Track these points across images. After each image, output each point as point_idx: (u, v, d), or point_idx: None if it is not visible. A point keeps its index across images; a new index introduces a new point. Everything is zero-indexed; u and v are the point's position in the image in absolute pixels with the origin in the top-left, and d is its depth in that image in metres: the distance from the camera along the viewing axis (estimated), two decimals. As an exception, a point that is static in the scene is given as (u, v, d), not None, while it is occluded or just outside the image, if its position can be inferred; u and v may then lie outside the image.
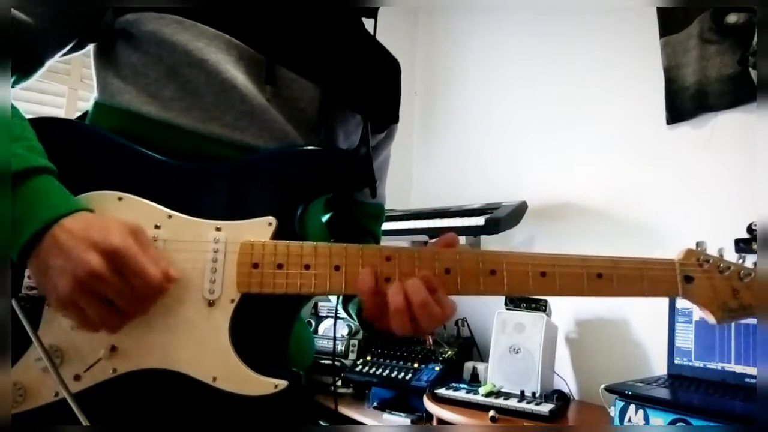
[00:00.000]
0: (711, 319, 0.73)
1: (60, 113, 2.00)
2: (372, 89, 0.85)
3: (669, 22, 1.72)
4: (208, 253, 0.63)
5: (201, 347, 0.62)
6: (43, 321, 0.61)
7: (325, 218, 0.88)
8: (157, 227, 0.63)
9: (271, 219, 0.65)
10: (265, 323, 0.69)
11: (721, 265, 0.73)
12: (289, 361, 0.73)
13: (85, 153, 0.66)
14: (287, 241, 0.65)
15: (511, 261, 0.69)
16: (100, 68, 0.73)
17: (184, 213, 0.64)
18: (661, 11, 1.74)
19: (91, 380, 0.60)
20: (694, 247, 0.74)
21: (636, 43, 1.82)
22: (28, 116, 0.64)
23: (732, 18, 1.57)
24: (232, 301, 0.63)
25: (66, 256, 0.55)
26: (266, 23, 0.74)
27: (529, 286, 0.69)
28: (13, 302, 0.60)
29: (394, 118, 0.92)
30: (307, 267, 0.64)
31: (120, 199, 0.63)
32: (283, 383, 0.62)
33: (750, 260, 0.76)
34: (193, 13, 0.69)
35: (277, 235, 0.65)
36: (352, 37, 0.85)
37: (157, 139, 0.68)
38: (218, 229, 0.64)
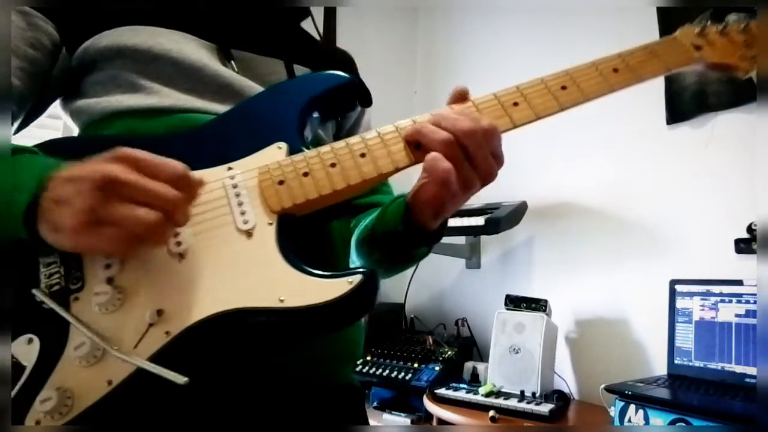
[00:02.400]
0: (739, 74, 0.76)
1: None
2: (333, 60, 0.87)
3: (669, 22, 1.72)
4: (228, 189, 0.61)
5: (256, 276, 0.57)
6: (74, 313, 0.55)
7: None
8: None
9: (280, 144, 0.64)
10: (318, 242, 0.67)
11: (717, 28, 0.79)
12: None
13: (89, 156, 0.64)
14: (302, 153, 0.63)
15: (526, 88, 0.70)
16: (71, 107, 0.73)
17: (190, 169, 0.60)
18: (661, 11, 1.74)
19: (144, 354, 0.53)
20: (685, 26, 0.80)
21: (636, 43, 1.82)
22: (30, 141, 0.63)
23: (732, 18, 1.57)
24: (271, 224, 0.59)
25: (76, 180, 0.50)
26: (214, 15, 0.77)
27: (557, 102, 0.70)
28: (42, 296, 0.55)
29: (364, 101, 0.91)
30: (333, 165, 0.62)
31: None
32: (357, 277, 0.55)
33: (749, 260, 0.76)
34: (143, 20, 0.71)
35: (290, 155, 0.64)
36: (297, 34, 0.88)
37: (148, 127, 0.68)
38: (230, 169, 0.63)
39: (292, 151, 0.64)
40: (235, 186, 0.61)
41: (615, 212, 1.84)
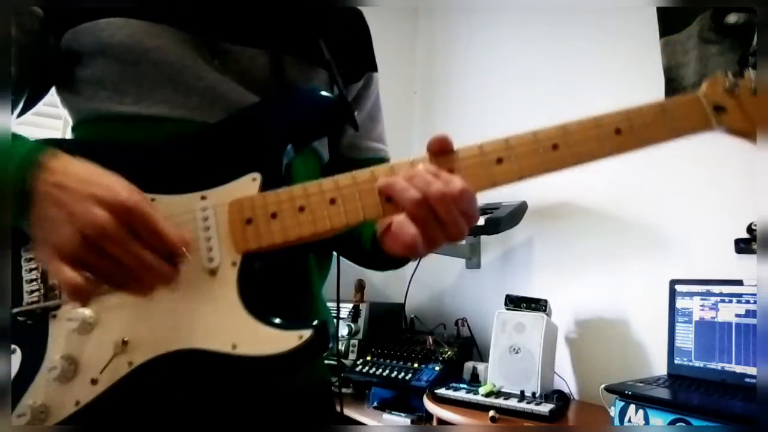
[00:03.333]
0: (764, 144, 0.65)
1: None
2: (328, 37, 0.81)
3: (669, 22, 1.72)
4: (198, 221, 0.61)
5: (213, 318, 0.59)
6: (51, 333, 0.60)
7: None
8: None
9: (254, 175, 0.63)
10: (280, 284, 0.66)
11: (752, 85, 0.65)
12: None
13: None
14: (275, 190, 0.62)
15: (514, 145, 0.63)
16: (65, 98, 0.74)
17: (166, 194, 0.63)
18: (661, 11, 1.74)
19: (109, 380, 0.58)
20: (717, 75, 0.66)
21: (636, 43, 1.82)
22: None
23: (732, 18, 1.57)
24: (234, 264, 0.60)
25: (63, 205, 0.51)
26: (197, 5, 0.73)
27: (544, 165, 0.63)
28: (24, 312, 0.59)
29: (368, 66, 0.89)
30: (301, 209, 0.61)
31: None
32: (307, 332, 0.58)
33: (749, 260, 0.75)
34: (125, 12, 0.69)
35: (264, 189, 0.63)
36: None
37: (134, 136, 0.68)
38: (204, 198, 0.62)
39: (266, 183, 0.63)
40: (205, 219, 0.62)
41: (615, 212, 1.84)
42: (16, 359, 0.58)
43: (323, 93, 0.71)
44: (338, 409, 0.83)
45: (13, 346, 0.58)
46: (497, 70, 2.34)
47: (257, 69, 0.74)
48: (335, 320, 0.84)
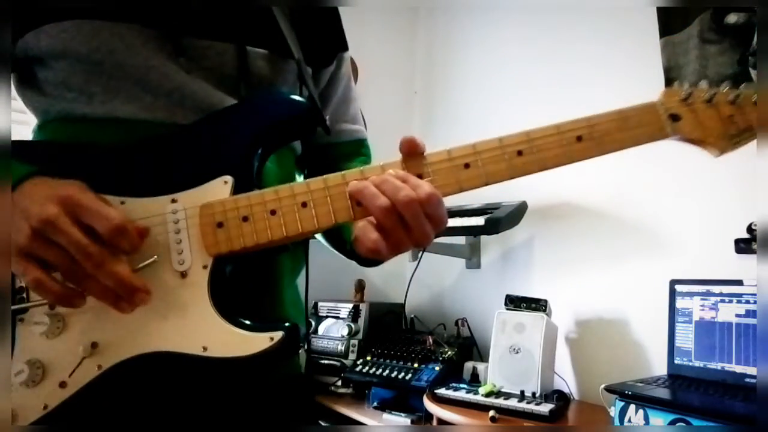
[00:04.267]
0: (714, 153, 0.68)
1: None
2: (294, 26, 0.80)
3: (669, 22, 1.72)
4: (168, 224, 0.61)
5: (184, 320, 0.59)
6: (18, 336, 0.59)
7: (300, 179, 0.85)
8: None
9: (226, 178, 0.63)
10: (251, 286, 0.67)
11: (706, 94, 0.67)
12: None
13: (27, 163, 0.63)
14: (246, 194, 0.62)
15: (481, 150, 0.65)
16: (25, 95, 0.73)
17: (136, 197, 0.62)
18: (661, 11, 1.74)
19: (77, 383, 0.58)
20: (673, 86, 0.69)
21: (636, 43, 1.82)
22: None
23: (732, 18, 1.57)
24: (205, 267, 0.60)
25: (21, 210, 0.54)
26: (160, 1, 0.71)
27: (509, 171, 0.65)
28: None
29: (338, 47, 0.88)
30: (273, 212, 0.61)
31: None
32: (278, 334, 0.59)
33: (749, 260, 0.75)
34: (86, 13, 0.67)
35: (236, 192, 0.63)
36: None
37: (100, 137, 0.67)
38: (174, 201, 0.62)
39: (237, 186, 0.63)
40: (176, 222, 0.61)
41: (615, 212, 1.84)
42: None
43: (295, 98, 0.71)
44: (313, 406, 0.82)
45: None
46: (497, 69, 2.34)
47: (225, 65, 0.73)
48: (309, 320, 0.84)
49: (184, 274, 0.60)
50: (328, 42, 0.87)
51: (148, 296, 0.57)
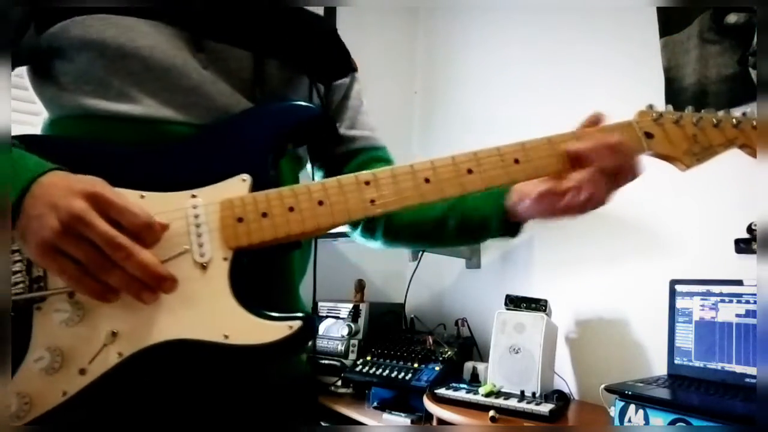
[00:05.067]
0: (680, 167, 0.79)
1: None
2: (307, 44, 0.85)
3: (669, 22, 1.72)
4: (189, 218, 0.63)
5: (205, 310, 0.61)
6: (35, 324, 0.60)
7: None
8: None
9: (244, 176, 0.66)
10: (266, 277, 0.70)
11: (673, 116, 0.78)
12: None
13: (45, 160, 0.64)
14: (265, 191, 0.65)
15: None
16: (41, 89, 0.74)
17: (156, 191, 0.64)
18: (661, 11, 1.74)
19: (97, 370, 0.59)
20: (645, 108, 0.79)
21: (636, 43, 1.82)
22: None
23: (732, 18, 1.57)
24: (225, 259, 0.63)
25: (47, 204, 0.54)
26: (187, 3, 0.75)
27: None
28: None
29: (350, 68, 0.93)
30: (291, 209, 0.65)
31: None
32: (296, 323, 0.62)
33: (749, 260, 0.76)
34: (114, 9, 0.70)
35: (253, 190, 0.66)
36: (276, 5, 0.85)
37: (118, 134, 0.68)
38: (194, 197, 0.64)
39: (256, 184, 0.66)
40: (196, 216, 0.63)
41: (615, 212, 1.84)
42: None
43: (309, 104, 0.77)
44: (317, 406, 0.85)
45: None
46: (497, 70, 2.34)
47: (242, 70, 0.76)
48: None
49: (204, 266, 0.62)
50: (339, 60, 0.92)
51: (175, 285, 0.58)
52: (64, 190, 0.55)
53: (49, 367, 0.58)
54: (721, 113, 0.78)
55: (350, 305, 2.16)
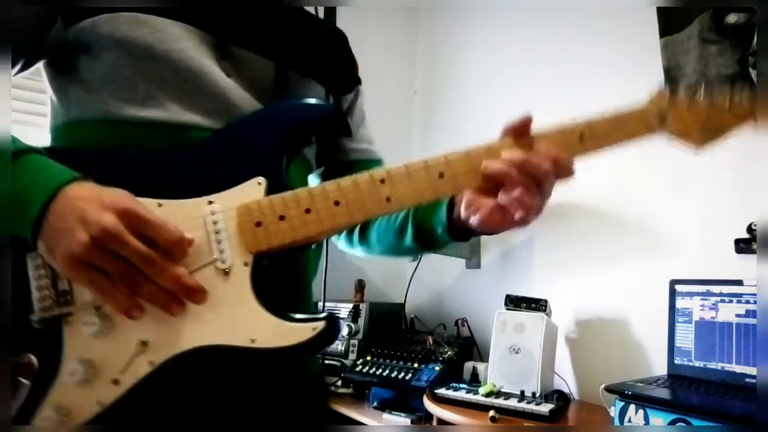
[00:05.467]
0: (692, 145, 0.77)
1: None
2: (325, 57, 0.87)
3: (669, 22, 1.72)
4: (208, 225, 0.64)
5: (231, 315, 0.62)
6: (66, 338, 0.61)
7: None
8: None
9: (259, 179, 0.66)
10: (283, 278, 0.71)
11: (686, 96, 0.78)
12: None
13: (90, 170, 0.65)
14: (280, 194, 0.66)
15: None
16: (63, 86, 0.73)
17: (173, 199, 0.65)
18: (661, 11, 1.74)
19: (131, 380, 0.60)
20: (660, 89, 0.79)
21: (636, 43, 1.82)
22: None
23: (732, 18, 1.57)
24: (246, 264, 0.64)
25: (76, 217, 0.55)
26: (218, 8, 0.75)
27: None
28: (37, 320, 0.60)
29: (356, 81, 0.96)
30: (308, 211, 0.65)
31: None
32: (320, 324, 0.63)
33: (749, 260, 0.77)
34: (146, 9, 0.70)
35: (269, 192, 0.66)
36: (298, 16, 0.87)
37: (140, 140, 0.69)
38: (211, 203, 0.65)
39: (271, 187, 0.66)
40: (215, 222, 0.64)
41: (615, 212, 1.84)
42: (32, 366, 0.60)
43: (321, 102, 0.78)
44: (328, 402, 0.87)
45: (29, 356, 0.60)
46: (497, 70, 2.34)
47: (264, 79, 0.77)
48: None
49: (226, 272, 0.63)
50: (347, 74, 0.94)
51: (206, 296, 0.60)
52: (94, 203, 0.56)
53: (83, 379, 0.59)
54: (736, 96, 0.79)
55: (350, 305, 2.16)
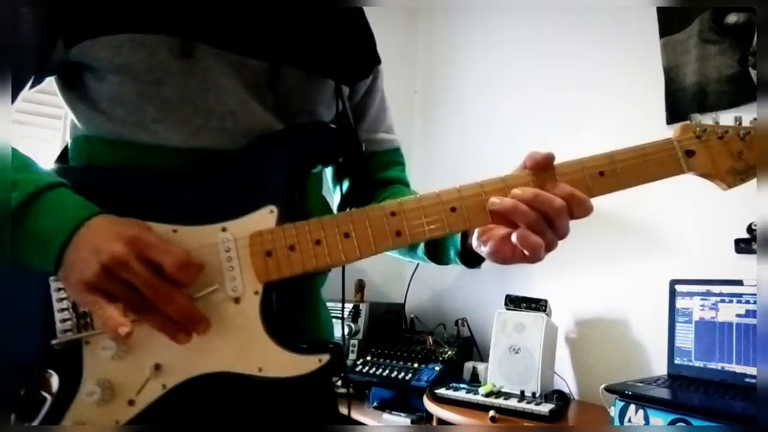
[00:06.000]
0: (722, 186, 0.71)
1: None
2: (329, 45, 0.80)
3: (669, 22, 1.72)
4: (221, 254, 0.65)
5: (240, 343, 0.64)
6: (85, 359, 0.63)
7: (343, 190, 0.89)
8: None
9: (272, 207, 0.67)
10: (294, 306, 0.72)
11: (719, 131, 0.71)
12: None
13: (79, 194, 0.65)
14: (293, 223, 0.66)
15: (512, 184, 0.68)
16: (73, 102, 0.72)
17: (187, 225, 0.66)
18: (661, 11, 1.74)
19: (144, 401, 0.63)
20: (688, 122, 0.72)
21: (636, 43, 1.82)
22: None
23: (732, 18, 1.58)
24: (256, 293, 0.64)
25: (91, 247, 0.58)
26: (204, 11, 0.71)
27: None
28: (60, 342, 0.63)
29: (373, 60, 0.91)
30: (318, 242, 0.66)
31: None
32: (326, 357, 0.64)
33: (749, 260, 0.76)
34: (141, 26, 0.67)
35: (281, 220, 0.66)
36: (295, 7, 0.79)
37: (155, 163, 0.69)
38: (224, 230, 0.65)
39: (282, 216, 0.67)
40: (227, 250, 0.65)
41: (615, 212, 1.84)
42: (54, 383, 0.64)
43: (329, 126, 0.76)
44: (339, 407, 0.86)
45: (49, 371, 0.64)
46: (497, 70, 2.34)
47: (259, 76, 0.73)
48: (339, 321, 0.89)
49: (237, 300, 0.65)
50: (364, 56, 0.90)
51: (208, 327, 0.61)
52: (106, 234, 0.58)
53: (100, 400, 0.62)
54: None
55: (350, 305, 2.16)
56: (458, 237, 0.76)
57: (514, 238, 0.64)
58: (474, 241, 0.70)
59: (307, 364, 0.64)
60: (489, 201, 0.66)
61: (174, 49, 0.68)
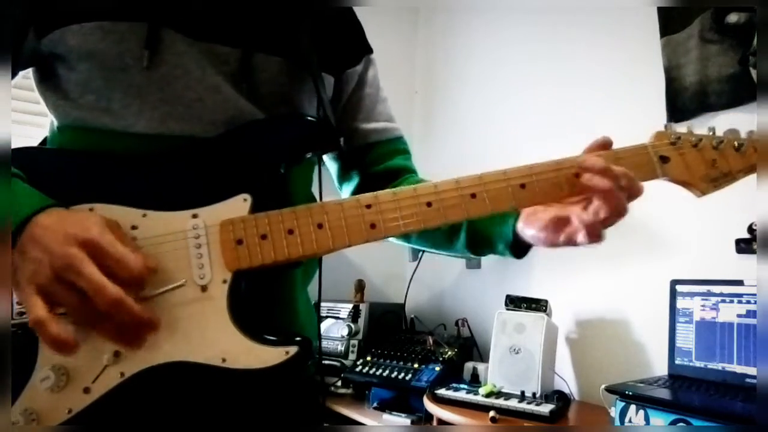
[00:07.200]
0: (695, 193, 0.75)
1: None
2: (310, 35, 0.79)
3: (669, 22, 1.72)
4: (189, 240, 0.63)
5: (204, 332, 0.62)
6: (41, 343, 0.61)
7: (351, 187, 0.88)
8: (134, 228, 0.63)
9: (245, 195, 0.65)
10: (266, 297, 0.69)
11: (693, 139, 0.73)
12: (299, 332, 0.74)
13: (49, 175, 0.65)
14: (265, 213, 0.65)
15: (488, 180, 0.70)
16: (46, 93, 0.72)
17: (158, 210, 0.64)
18: (661, 11, 1.74)
19: (101, 389, 0.60)
20: (663, 130, 0.75)
21: (636, 43, 1.82)
22: None
23: (732, 18, 1.57)
24: (225, 281, 0.63)
25: (42, 248, 0.55)
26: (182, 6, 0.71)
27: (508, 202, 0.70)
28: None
29: (364, 50, 0.90)
30: (290, 231, 0.64)
31: (91, 209, 0.63)
32: (293, 349, 0.62)
33: (750, 260, 0.76)
34: (112, 13, 0.67)
35: (254, 209, 0.65)
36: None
37: (120, 149, 0.68)
38: (195, 216, 0.64)
39: (256, 204, 0.65)
40: (197, 237, 0.64)
41: (615, 212, 1.84)
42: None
43: (309, 117, 0.74)
44: (321, 401, 0.85)
45: None
46: (497, 70, 2.34)
47: (230, 64, 0.72)
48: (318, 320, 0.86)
49: (204, 288, 0.63)
50: (351, 44, 0.88)
51: (157, 326, 0.59)
52: (60, 234, 0.56)
53: (54, 385, 0.59)
54: (743, 135, 0.74)
55: (350, 305, 2.16)
56: (509, 229, 0.75)
57: (575, 218, 0.67)
58: (521, 223, 0.72)
59: (273, 356, 0.62)
60: (584, 176, 0.69)
61: (143, 36, 0.68)
